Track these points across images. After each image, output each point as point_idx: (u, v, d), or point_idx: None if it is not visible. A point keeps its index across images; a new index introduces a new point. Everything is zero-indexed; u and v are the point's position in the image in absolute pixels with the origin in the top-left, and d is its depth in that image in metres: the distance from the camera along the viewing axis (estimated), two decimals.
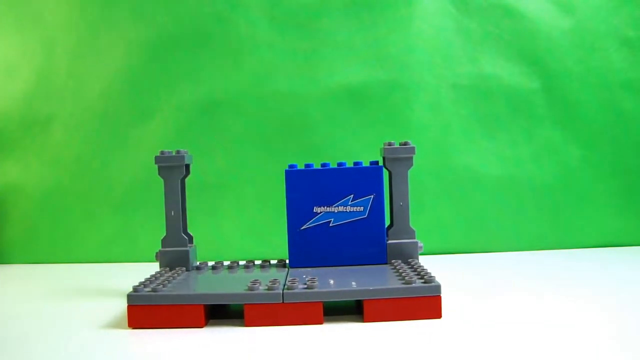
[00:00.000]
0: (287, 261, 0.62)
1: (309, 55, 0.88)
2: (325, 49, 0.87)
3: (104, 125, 0.90)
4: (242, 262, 0.63)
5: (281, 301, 0.48)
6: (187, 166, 0.63)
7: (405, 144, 0.59)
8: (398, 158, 0.60)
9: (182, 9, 0.88)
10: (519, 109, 0.87)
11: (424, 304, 0.49)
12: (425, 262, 0.66)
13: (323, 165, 0.60)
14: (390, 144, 0.59)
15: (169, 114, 0.89)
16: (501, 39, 0.87)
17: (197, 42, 0.88)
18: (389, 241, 0.60)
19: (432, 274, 0.51)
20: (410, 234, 0.60)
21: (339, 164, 0.60)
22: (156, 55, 0.89)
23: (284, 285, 0.50)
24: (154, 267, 0.65)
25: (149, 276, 0.55)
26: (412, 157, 0.60)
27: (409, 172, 0.60)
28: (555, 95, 0.87)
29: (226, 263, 0.63)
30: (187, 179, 0.63)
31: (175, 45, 0.88)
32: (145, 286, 0.50)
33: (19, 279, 0.78)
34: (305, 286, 0.49)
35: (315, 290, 0.49)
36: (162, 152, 0.61)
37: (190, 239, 0.63)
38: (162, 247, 0.61)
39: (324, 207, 0.59)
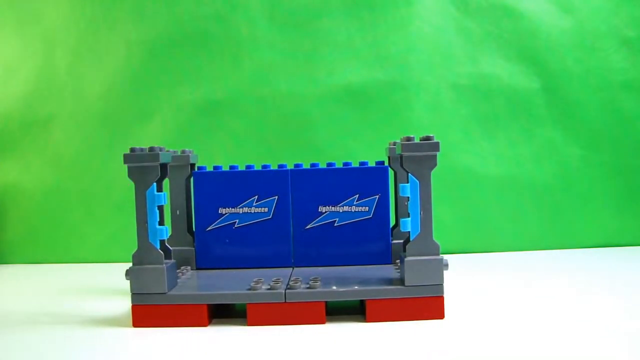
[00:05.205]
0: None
1: (309, 55, 0.88)
2: (325, 49, 0.87)
3: (104, 125, 0.90)
4: None
5: (283, 300, 0.48)
6: (192, 165, 0.63)
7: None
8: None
9: (182, 9, 0.88)
10: (518, 109, 0.87)
11: (427, 304, 0.49)
12: None
13: (329, 164, 0.59)
14: (395, 144, 0.59)
15: (169, 114, 0.89)
16: (501, 39, 0.87)
17: (197, 42, 0.88)
18: (394, 241, 0.60)
19: None
20: None
21: (345, 164, 0.59)
22: (156, 56, 0.89)
23: (287, 285, 0.50)
24: None
25: None
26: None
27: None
28: (555, 95, 0.87)
29: None
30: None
31: (175, 45, 0.88)
32: None
33: (19, 279, 0.78)
34: (308, 286, 0.49)
35: (317, 290, 0.49)
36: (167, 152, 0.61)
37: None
38: None
39: (329, 206, 0.59)
